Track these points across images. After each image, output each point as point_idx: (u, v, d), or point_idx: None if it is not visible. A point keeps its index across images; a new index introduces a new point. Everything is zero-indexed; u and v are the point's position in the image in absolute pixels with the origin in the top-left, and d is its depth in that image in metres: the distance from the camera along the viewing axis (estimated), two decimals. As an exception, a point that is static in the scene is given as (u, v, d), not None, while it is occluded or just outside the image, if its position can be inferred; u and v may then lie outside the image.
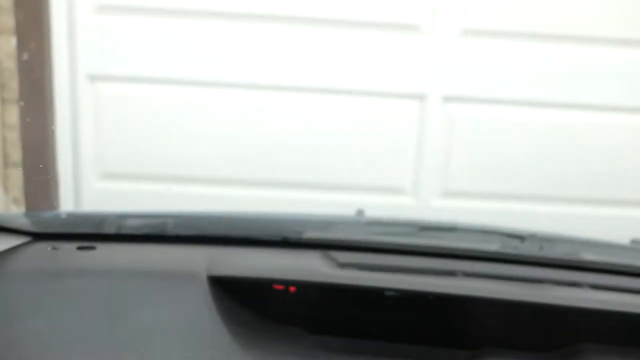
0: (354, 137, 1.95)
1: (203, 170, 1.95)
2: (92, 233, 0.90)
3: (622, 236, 1.63)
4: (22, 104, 1.86)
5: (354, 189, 1.99)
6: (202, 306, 0.75)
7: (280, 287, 0.84)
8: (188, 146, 1.93)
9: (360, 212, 1.23)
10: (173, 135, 1.92)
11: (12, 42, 1.79)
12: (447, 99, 1.94)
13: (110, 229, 0.91)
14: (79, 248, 0.85)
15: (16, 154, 1.86)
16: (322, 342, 0.82)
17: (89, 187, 1.96)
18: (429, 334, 0.87)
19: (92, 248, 0.85)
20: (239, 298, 0.80)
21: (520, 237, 0.98)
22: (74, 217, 0.97)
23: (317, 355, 0.76)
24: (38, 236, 0.89)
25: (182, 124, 1.92)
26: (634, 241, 1.24)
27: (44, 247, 0.85)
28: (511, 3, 1.86)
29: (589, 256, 0.94)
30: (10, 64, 1.80)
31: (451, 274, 0.87)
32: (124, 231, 0.90)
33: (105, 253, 0.84)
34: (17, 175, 1.85)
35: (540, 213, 2.02)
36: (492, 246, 0.94)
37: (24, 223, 0.91)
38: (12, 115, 1.84)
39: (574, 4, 1.86)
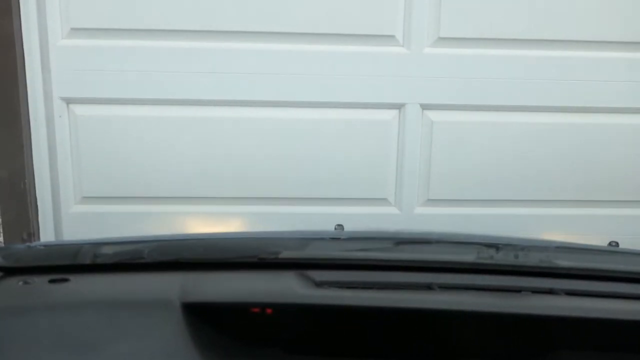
0: (335, 149, 1.96)
1: (183, 189, 1.94)
2: (65, 265, 0.89)
3: (602, 236, 1.65)
4: (-4, 130, 1.84)
5: (338, 200, 1.99)
6: (177, 334, 0.74)
7: (256, 310, 0.83)
8: (166, 166, 1.92)
9: (339, 227, 1.23)
10: (150, 155, 1.91)
11: (-16, 68, 1.77)
12: (425, 106, 1.95)
13: (84, 260, 0.90)
14: (51, 281, 0.83)
15: (-8, 181, 1.83)
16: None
17: (68, 211, 1.94)
18: (410, 348, 0.87)
19: (65, 280, 0.84)
20: (215, 323, 0.80)
21: (495, 246, 0.98)
22: (46, 249, 0.95)
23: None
24: (10, 271, 0.87)
25: (159, 144, 1.91)
26: (611, 243, 1.25)
27: (15, 282, 0.84)
28: (484, 11, 1.88)
29: (563, 262, 0.95)
30: (-17, 90, 1.78)
31: (428, 287, 0.87)
32: (98, 261, 0.89)
33: (78, 285, 0.83)
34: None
35: (521, 216, 2.03)
36: (467, 257, 0.94)
37: (-6, 258, 0.89)
38: (-13, 141, 1.82)
39: (547, 9, 1.88)
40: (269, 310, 0.84)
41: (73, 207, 1.94)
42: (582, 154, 2.00)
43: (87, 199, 1.94)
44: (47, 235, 1.90)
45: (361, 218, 1.96)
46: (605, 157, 2.01)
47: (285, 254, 0.93)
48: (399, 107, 1.95)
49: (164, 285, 0.83)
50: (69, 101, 1.88)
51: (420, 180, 2.00)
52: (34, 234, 1.87)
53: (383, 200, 2.01)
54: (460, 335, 0.87)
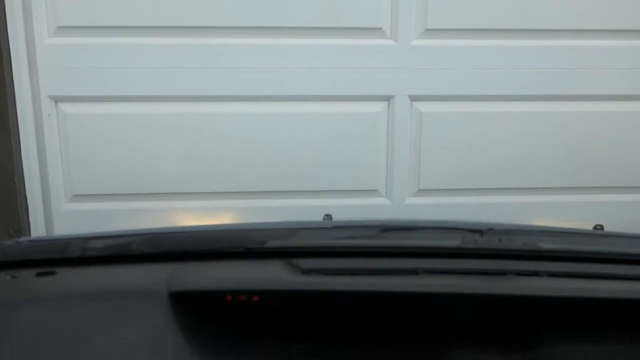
0: (325, 141, 1.96)
1: (173, 185, 1.94)
2: (53, 258, 0.89)
3: (592, 222, 1.67)
4: (-15, 130, 1.84)
5: (328, 192, 2.00)
6: (163, 324, 0.75)
7: (243, 298, 0.84)
8: (156, 162, 1.92)
9: (327, 217, 1.24)
10: (141, 151, 1.91)
11: (-29, 68, 1.77)
12: (414, 98, 1.96)
13: (71, 253, 0.90)
14: (38, 274, 0.84)
15: (-18, 181, 1.83)
16: (291, 351, 0.82)
17: (59, 209, 1.94)
18: (397, 332, 0.88)
19: (52, 273, 0.84)
20: (201, 312, 0.81)
21: (479, 231, 0.99)
22: (34, 244, 0.96)
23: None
24: (-3, 265, 0.88)
25: (149, 141, 1.91)
26: (596, 227, 1.27)
27: (3, 276, 0.84)
28: (471, 2, 1.88)
29: (547, 245, 0.96)
30: (-29, 91, 1.78)
31: (413, 272, 0.88)
32: (85, 254, 0.90)
33: (65, 278, 0.84)
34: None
35: (511, 204, 2.05)
36: (452, 242, 0.95)
37: (-19, 253, 0.90)
38: (-24, 142, 1.82)
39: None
40: (255, 298, 0.84)
41: (64, 205, 1.94)
42: (571, 142, 2.02)
43: (78, 197, 1.94)
44: (38, 234, 1.90)
45: (352, 210, 1.97)
46: (594, 144, 2.03)
47: (272, 243, 0.93)
48: (388, 99, 1.96)
49: (151, 275, 0.84)
50: (57, 99, 1.87)
51: (411, 170, 2.01)
52: (24, 233, 1.87)
53: (374, 192, 2.02)
54: (445, 318, 0.88)
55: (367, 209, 1.98)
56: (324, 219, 1.23)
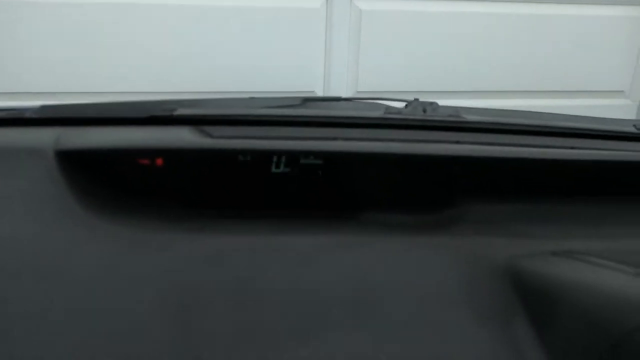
0: (260, 39, 1.86)
1: (102, 84, 1.80)
2: None
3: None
4: None
5: (264, 94, 1.91)
6: (48, 181, 0.68)
7: (145, 161, 0.77)
8: (70, 58, 1.77)
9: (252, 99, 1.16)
10: (61, 46, 1.75)
11: None
12: (354, -5, 1.87)
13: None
14: None
15: None
16: (188, 213, 0.77)
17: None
18: (307, 197, 0.85)
19: None
20: (94, 173, 0.74)
21: (404, 102, 0.95)
22: None
23: (179, 222, 0.72)
24: None
25: (71, 34, 1.74)
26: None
27: None
28: None
29: (472, 117, 0.93)
30: None
31: (332, 139, 0.84)
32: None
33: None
34: None
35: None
36: (375, 113, 0.91)
37: None
38: None
39: None
40: (159, 162, 0.78)
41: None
42: (516, 45, 1.99)
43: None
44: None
45: (288, 111, 1.90)
46: (540, 48, 2.00)
47: (181, 111, 0.86)
48: (326, -6, 1.86)
49: (38, 135, 0.76)
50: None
51: (349, 71, 1.94)
52: None
53: (310, 93, 1.95)
54: (361, 183, 0.85)
55: (303, 110, 1.92)
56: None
